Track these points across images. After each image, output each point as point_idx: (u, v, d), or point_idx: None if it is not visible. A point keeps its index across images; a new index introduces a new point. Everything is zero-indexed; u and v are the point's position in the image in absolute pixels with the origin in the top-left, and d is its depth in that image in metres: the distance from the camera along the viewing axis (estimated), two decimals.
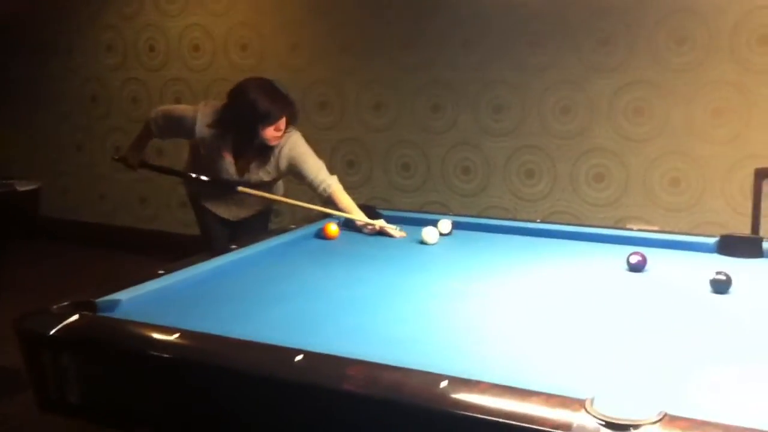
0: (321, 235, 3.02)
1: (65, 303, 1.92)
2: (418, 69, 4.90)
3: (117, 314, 1.94)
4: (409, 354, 1.60)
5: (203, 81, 5.61)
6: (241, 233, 3.42)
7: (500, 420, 1.34)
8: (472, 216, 3.55)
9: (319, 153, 3.35)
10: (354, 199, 3.24)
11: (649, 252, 2.56)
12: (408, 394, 1.42)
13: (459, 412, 1.37)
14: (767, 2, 4.02)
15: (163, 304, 2.06)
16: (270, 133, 3.12)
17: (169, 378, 1.72)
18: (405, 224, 3.12)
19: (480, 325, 1.96)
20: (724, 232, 2.83)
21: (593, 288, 2.32)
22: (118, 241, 6.01)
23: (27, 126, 6.45)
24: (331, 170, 3.30)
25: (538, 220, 3.51)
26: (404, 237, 3.02)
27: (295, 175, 3.29)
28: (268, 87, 3.16)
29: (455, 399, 1.39)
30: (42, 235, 6.21)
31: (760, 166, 3.69)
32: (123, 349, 1.75)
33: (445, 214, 3.43)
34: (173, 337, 1.71)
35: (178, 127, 3.32)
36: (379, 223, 3.08)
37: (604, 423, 1.27)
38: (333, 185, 3.20)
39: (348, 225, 3.17)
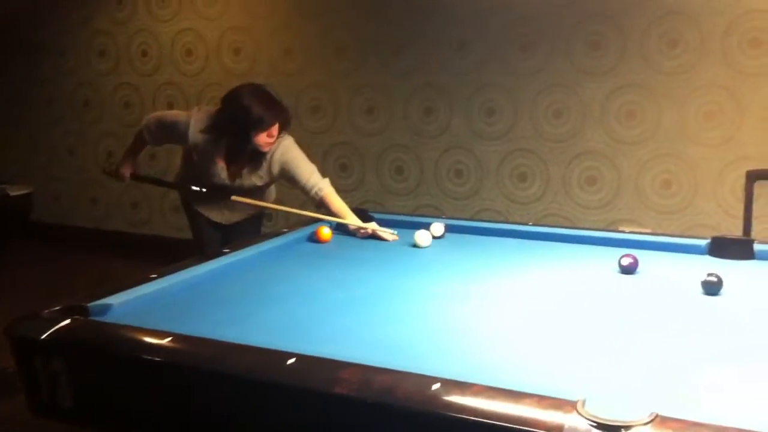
0: (314, 238, 3.02)
1: (57, 307, 1.91)
2: (410, 73, 4.91)
3: (109, 318, 1.94)
4: (401, 357, 1.61)
5: (196, 85, 5.60)
6: (234, 237, 3.42)
7: (492, 422, 1.34)
8: (464, 219, 3.56)
9: (312, 157, 3.35)
10: (347, 202, 3.24)
11: (640, 254, 2.57)
12: (401, 397, 1.43)
13: (452, 414, 1.37)
14: (759, 5, 4.05)
15: (156, 308, 2.06)
16: (263, 139, 3.12)
17: (161, 382, 1.71)
18: (398, 227, 3.12)
19: (472, 327, 1.96)
20: (716, 234, 2.84)
21: (585, 290, 2.33)
22: (111, 245, 6.00)
23: (19, 130, 6.44)
24: (324, 174, 3.30)
25: (531, 223, 3.51)
26: (397, 240, 3.02)
27: (287, 179, 3.29)
28: (261, 93, 3.16)
29: (448, 401, 1.39)
30: (34, 240, 6.21)
31: (751, 168, 3.71)
32: (115, 354, 1.75)
33: (437, 217, 3.43)
34: (165, 341, 1.71)
35: (171, 132, 3.32)
36: (372, 226, 3.08)
37: (595, 424, 1.27)
38: (325, 189, 3.20)
39: (341, 228, 3.17)
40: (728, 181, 4.24)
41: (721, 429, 1.25)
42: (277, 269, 2.58)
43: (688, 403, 1.42)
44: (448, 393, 1.41)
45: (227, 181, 3.30)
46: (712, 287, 2.21)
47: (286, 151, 3.23)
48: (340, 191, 3.30)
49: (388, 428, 1.46)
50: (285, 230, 3.10)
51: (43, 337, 1.77)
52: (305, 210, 3.30)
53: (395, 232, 3.05)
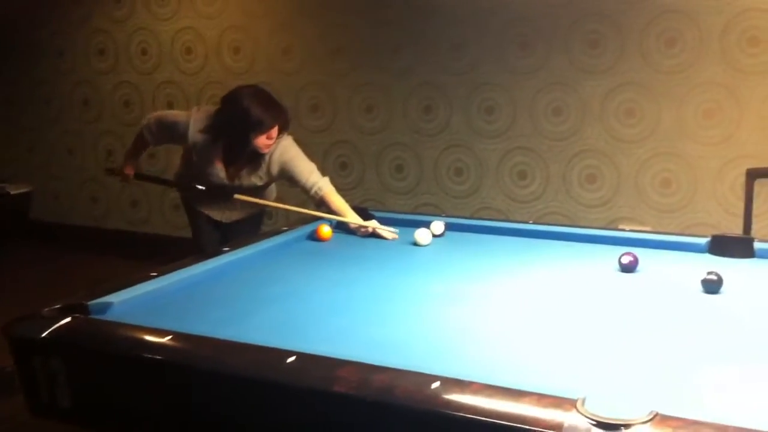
0: (314, 236, 3.02)
1: (57, 306, 1.91)
2: (409, 71, 4.91)
3: (109, 317, 1.94)
4: (400, 356, 1.61)
5: (196, 84, 5.60)
6: (234, 235, 3.42)
7: (492, 420, 1.34)
8: (464, 217, 3.56)
9: (312, 156, 3.35)
10: (347, 201, 3.24)
11: (640, 252, 2.57)
12: (400, 395, 1.42)
13: (451, 412, 1.37)
14: (757, 4, 4.04)
15: (156, 307, 2.06)
16: (262, 141, 3.12)
17: (161, 381, 1.71)
18: (398, 226, 3.12)
19: (472, 325, 1.96)
20: (716, 232, 2.84)
21: (585, 288, 2.33)
22: (110, 244, 6.00)
23: (18, 129, 6.43)
24: (324, 173, 3.30)
25: (531, 221, 3.51)
26: (397, 238, 3.02)
27: (287, 179, 3.29)
28: (261, 95, 3.16)
29: (447, 400, 1.39)
30: (34, 239, 6.21)
31: (751, 166, 3.71)
32: (115, 352, 1.75)
33: (437, 215, 3.43)
34: (165, 340, 1.71)
35: (171, 132, 3.32)
36: (372, 224, 3.08)
37: (595, 423, 1.27)
38: (325, 187, 3.20)
39: (341, 227, 3.17)
40: (728, 180, 4.24)
41: (720, 427, 1.25)
42: (277, 268, 2.58)
43: (688, 402, 1.42)
44: (448, 391, 1.41)
45: (227, 181, 3.30)
46: (712, 286, 2.21)
47: (285, 151, 3.23)
48: (340, 190, 3.30)
49: (387, 426, 1.46)
50: (285, 228, 3.10)
51: (42, 336, 1.77)
52: (306, 208, 3.30)
53: (396, 231, 3.05)
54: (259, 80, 4.85)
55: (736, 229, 3.86)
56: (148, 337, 1.74)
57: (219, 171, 3.28)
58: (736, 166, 4.17)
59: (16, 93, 6.36)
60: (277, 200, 3.61)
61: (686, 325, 1.96)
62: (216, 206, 3.47)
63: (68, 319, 1.84)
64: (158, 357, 1.69)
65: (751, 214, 3.46)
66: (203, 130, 3.20)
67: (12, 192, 6.20)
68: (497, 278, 2.43)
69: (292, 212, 3.34)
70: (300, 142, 3.34)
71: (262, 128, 3.07)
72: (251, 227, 3.55)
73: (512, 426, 1.32)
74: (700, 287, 2.24)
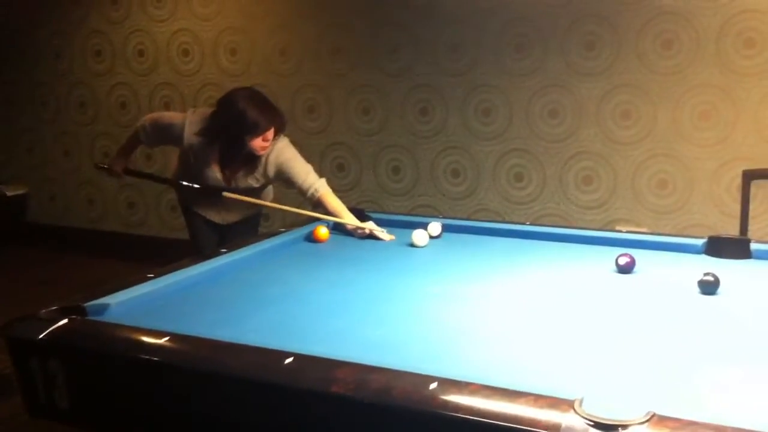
0: (311, 238, 3.02)
1: (54, 308, 1.91)
2: (406, 73, 4.91)
3: (106, 318, 1.94)
4: (398, 357, 1.61)
5: (192, 86, 5.60)
6: (231, 237, 3.42)
7: (489, 421, 1.34)
8: (461, 219, 3.56)
9: (308, 157, 3.35)
10: (344, 202, 3.24)
11: (637, 253, 2.57)
12: (398, 396, 1.43)
13: (448, 413, 1.38)
14: (753, 6, 4.05)
15: (153, 308, 2.06)
16: (258, 143, 3.11)
17: (158, 382, 1.71)
18: (395, 227, 3.12)
19: (469, 327, 1.96)
20: (712, 233, 2.84)
21: (582, 289, 2.33)
22: (107, 246, 5.99)
23: (14, 131, 6.42)
24: (321, 174, 3.30)
25: (528, 223, 3.51)
26: (393, 240, 3.02)
27: (283, 181, 3.29)
28: (257, 97, 3.16)
29: (445, 400, 1.40)
30: (30, 241, 6.20)
31: (747, 168, 3.72)
32: (112, 353, 1.75)
33: (434, 216, 3.43)
34: (163, 341, 1.71)
35: (166, 134, 3.32)
36: (369, 225, 3.08)
37: (592, 423, 1.27)
38: (321, 189, 3.20)
39: (338, 228, 3.17)
40: (724, 181, 4.25)
41: (717, 428, 1.25)
42: (274, 269, 2.58)
43: (685, 402, 1.43)
44: (445, 392, 1.41)
45: (223, 184, 3.30)
46: (708, 287, 2.22)
47: (281, 153, 3.23)
48: (337, 191, 3.30)
49: (384, 428, 1.46)
50: (282, 230, 3.10)
51: (40, 337, 1.77)
52: (302, 209, 3.30)
53: (392, 233, 3.06)
54: (255, 82, 4.86)
55: (732, 231, 3.87)
56: (146, 339, 1.74)
57: (215, 173, 3.28)
58: (733, 167, 4.18)
59: (12, 94, 6.36)
60: (273, 202, 3.61)
61: (683, 326, 1.97)
62: (213, 208, 3.47)
63: (65, 321, 1.84)
64: (155, 358, 1.69)
65: (748, 215, 3.47)
66: (199, 133, 3.19)
67: (8, 194, 6.20)
68: (494, 279, 2.43)
69: (289, 214, 3.34)
70: (297, 144, 3.34)
71: (257, 131, 3.07)
72: (248, 229, 3.55)
73: (509, 427, 1.32)
74: (696, 288, 2.24)
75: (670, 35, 4.24)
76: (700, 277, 2.24)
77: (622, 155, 4.46)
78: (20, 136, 6.41)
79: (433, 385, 1.43)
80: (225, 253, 2.61)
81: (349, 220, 3.13)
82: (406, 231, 2.99)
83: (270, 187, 3.56)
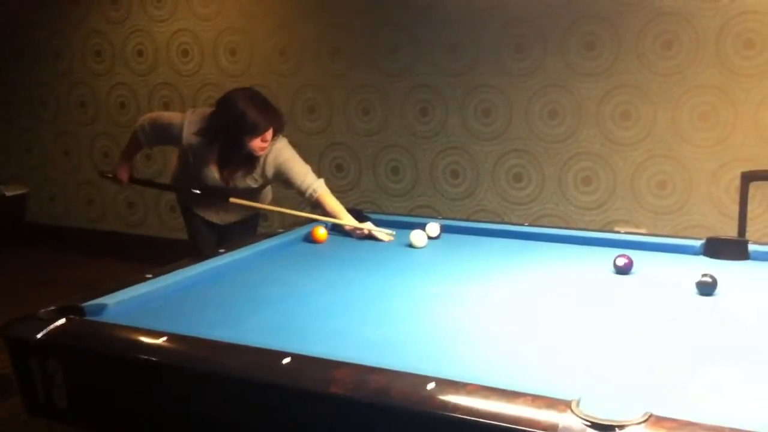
0: (309, 238, 3.02)
1: (53, 307, 1.91)
2: (405, 74, 4.92)
3: (104, 318, 1.94)
4: (396, 358, 1.61)
5: (192, 86, 5.60)
6: (230, 237, 3.42)
7: (487, 421, 1.34)
8: (460, 219, 3.57)
9: (308, 158, 3.35)
10: (343, 203, 3.24)
11: (635, 254, 2.57)
12: (395, 397, 1.43)
13: (446, 413, 1.38)
14: (753, 7, 4.06)
15: (151, 308, 2.06)
16: (257, 144, 3.11)
17: (156, 382, 1.71)
18: (394, 228, 3.12)
19: (468, 327, 1.96)
20: (711, 234, 2.85)
21: (580, 290, 2.33)
22: (106, 246, 6.00)
23: (14, 131, 6.43)
24: (320, 174, 3.30)
25: (527, 224, 3.52)
26: (392, 240, 3.02)
27: (282, 181, 3.29)
28: (256, 98, 3.15)
29: (443, 401, 1.40)
30: (30, 241, 6.20)
31: (746, 169, 3.72)
32: (110, 353, 1.75)
33: (433, 217, 3.43)
34: (161, 341, 1.71)
35: (165, 134, 3.31)
36: (368, 226, 3.09)
37: (589, 424, 1.28)
38: (319, 189, 3.20)
39: (336, 228, 3.17)
40: (723, 182, 4.25)
41: (715, 429, 1.25)
42: (273, 270, 2.58)
43: (682, 403, 1.43)
44: (443, 392, 1.41)
45: (222, 184, 3.30)
46: (706, 288, 2.22)
47: (279, 153, 3.23)
48: (336, 192, 3.30)
49: (383, 428, 1.47)
50: (281, 231, 3.10)
51: (38, 337, 1.78)
52: (301, 210, 3.30)
53: (392, 232, 3.06)
54: (255, 82, 4.86)
55: (730, 232, 3.87)
56: (144, 339, 1.74)
57: (214, 173, 3.28)
58: (731, 168, 4.18)
59: (12, 94, 6.36)
60: (272, 203, 3.62)
61: (681, 327, 1.97)
62: (212, 209, 3.47)
63: (63, 321, 1.84)
64: (154, 358, 1.69)
65: (746, 216, 3.47)
66: (198, 133, 3.19)
67: (8, 194, 6.21)
68: (493, 280, 2.43)
69: (288, 215, 3.34)
70: (296, 144, 3.35)
71: (256, 131, 3.07)
72: (247, 229, 3.55)
73: (507, 427, 1.32)
74: (694, 289, 2.24)
75: (670, 36, 4.24)
76: (698, 278, 2.24)
77: (622, 156, 4.46)
78: (20, 136, 6.41)
79: (431, 386, 1.43)
80: (224, 253, 2.62)
81: (348, 220, 3.13)
82: (405, 231, 2.99)
83: (269, 188, 3.56)
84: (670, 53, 4.25)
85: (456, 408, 1.38)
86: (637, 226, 4.40)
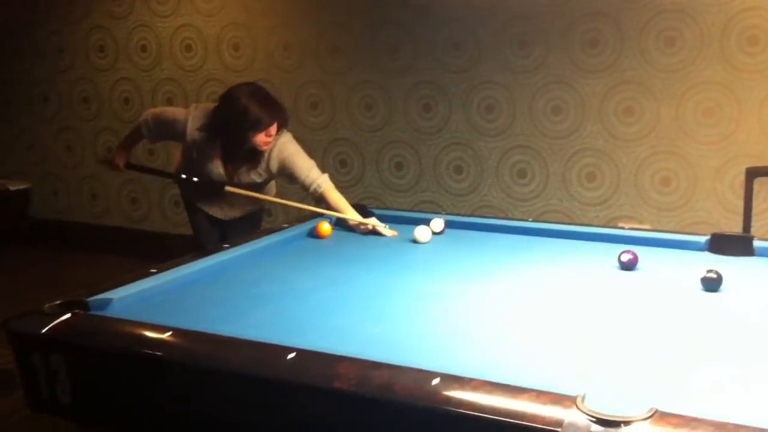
0: (313, 234, 3.02)
1: (57, 302, 1.91)
2: (409, 69, 4.91)
3: (109, 313, 1.94)
4: (400, 353, 1.61)
5: (195, 81, 5.60)
6: (234, 233, 3.42)
7: (492, 417, 1.34)
8: (464, 215, 3.57)
9: (312, 153, 3.35)
10: (347, 198, 3.24)
11: (640, 250, 2.57)
12: (400, 392, 1.43)
13: (451, 409, 1.38)
14: (757, 3, 4.04)
15: (155, 303, 2.06)
16: (261, 139, 3.11)
17: (160, 376, 1.71)
18: (397, 223, 3.12)
19: (471, 323, 1.96)
20: (715, 230, 2.84)
21: (585, 286, 2.33)
22: (110, 241, 6.00)
23: (17, 126, 6.43)
24: (324, 170, 3.30)
25: (531, 219, 3.52)
26: (396, 236, 3.02)
27: (286, 176, 3.29)
28: (259, 93, 3.15)
29: (447, 396, 1.40)
30: (33, 236, 6.21)
31: (750, 165, 3.71)
32: (114, 348, 1.75)
33: (437, 213, 3.43)
34: (165, 336, 1.71)
35: (169, 129, 3.31)
36: (372, 221, 3.08)
37: (595, 420, 1.27)
38: (324, 184, 3.20)
39: (340, 224, 3.17)
40: (727, 178, 4.24)
41: (719, 425, 1.25)
42: (277, 265, 2.58)
43: (687, 399, 1.43)
44: (448, 388, 1.41)
45: (225, 179, 3.30)
46: (711, 284, 2.22)
47: (284, 148, 3.23)
48: (340, 187, 3.30)
49: (386, 423, 1.47)
50: (285, 226, 3.10)
51: (42, 332, 1.78)
52: (305, 204, 3.29)
53: (395, 229, 3.06)
54: (258, 77, 4.85)
55: (735, 228, 3.87)
56: (148, 334, 1.74)
57: (218, 168, 3.28)
58: (736, 164, 4.17)
59: (15, 90, 6.35)
60: (276, 197, 3.61)
61: (686, 323, 1.97)
62: (215, 204, 3.47)
63: (68, 316, 1.84)
64: (158, 353, 1.69)
65: (751, 212, 3.47)
66: (202, 128, 3.19)
67: (11, 189, 6.21)
68: (497, 276, 2.43)
69: (292, 209, 3.34)
70: (300, 140, 3.34)
71: (260, 126, 3.07)
72: (251, 225, 3.55)
73: (512, 423, 1.32)
74: (699, 285, 2.24)
75: (674, 32, 4.23)
76: (703, 274, 2.24)
77: (626, 152, 4.45)
78: (23, 132, 6.41)
79: (436, 381, 1.43)
80: (227, 248, 2.62)
81: (352, 216, 3.13)
82: (409, 227, 2.99)
83: (272, 183, 3.56)
84: (673, 50, 4.24)
85: (460, 404, 1.38)
86: (641, 222, 4.40)
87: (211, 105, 3.27)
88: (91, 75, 6.00)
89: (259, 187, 3.40)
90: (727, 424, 1.25)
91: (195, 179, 3.34)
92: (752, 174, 3.52)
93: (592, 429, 1.26)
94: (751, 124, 4.15)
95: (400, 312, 2.05)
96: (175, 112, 3.38)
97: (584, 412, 1.29)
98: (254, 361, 1.60)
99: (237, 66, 5.40)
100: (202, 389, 1.66)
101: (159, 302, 2.08)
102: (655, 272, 2.47)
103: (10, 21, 6.18)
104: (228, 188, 3.27)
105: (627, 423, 1.26)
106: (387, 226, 3.06)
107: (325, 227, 3.01)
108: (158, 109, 3.51)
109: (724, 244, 2.72)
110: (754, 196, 3.50)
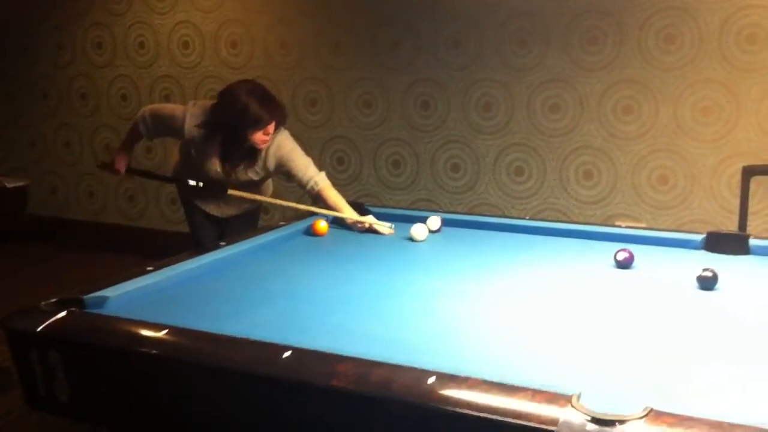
0: (310, 232, 3.02)
1: (53, 300, 1.91)
2: (407, 67, 4.91)
3: (105, 311, 1.94)
4: (397, 352, 1.61)
5: (193, 78, 5.59)
6: (231, 230, 3.42)
7: (488, 415, 1.34)
8: (461, 213, 3.57)
9: (309, 150, 3.35)
10: (344, 196, 3.24)
11: (636, 249, 2.57)
12: (397, 391, 1.43)
13: (447, 407, 1.38)
14: (756, 1, 4.04)
15: (152, 301, 2.06)
16: (259, 137, 3.11)
17: (157, 374, 1.71)
18: (394, 221, 3.12)
19: (469, 321, 1.96)
20: (712, 229, 2.85)
21: (581, 284, 2.33)
22: (107, 238, 5.99)
23: (15, 123, 6.42)
24: (321, 167, 3.30)
25: (527, 218, 3.52)
26: (393, 234, 3.02)
27: (283, 174, 3.29)
28: (258, 91, 3.14)
29: (443, 395, 1.40)
30: (30, 233, 6.20)
31: (747, 163, 3.71)
32: (111, 346, 1.75)
33: (434, 211, 3.43)
34: (161, 334, 1.71)
35: (167, 126, 3.30)
36: (369, 219, 3.09)
37: (590, 418, 1.28)
38: (321, 182, 3.20)
39: (337, 222, 3.17)
40: (724, 177, 4.24)
41: (714, 424, 1.25)
42: (273, 263, 2.58)
43: (683, 398, 1.43)
44: (444, 386, 1.41)
45: (223, 176, 3.30)
46: (707, 282, 2.22)
47: (281, 145, 3.23)
48: (337, 185, 3.30)
49: (384, 421, 1.47)
50: (282, 223, 3.10)
51: (39, 329, 1.78)
52: (302, 203, 3.29)
53: (392, 226, 3.06)
54: (256, 74, 4.86)
55: (731, 226, 3.88)
56: (145, 332, 1.74)
57: (216, 166, 3.27)
58: (733, 163, 4.18)
59: (13, 87, 6.35)
60: (273, 195, 3.61)
61: (681, 322, 1.97)
62: (213, 201, 3.47)
63: (64, 313, 1.84)
64: (154, 351, 1.69)
65: (747, 211, 3.47)
66: (200, 125, 3.19)
67: (9, 186, 6.20)
68: (493, 274, 2.43)
69: (289, 207, 3.34)
70: (297, 137, 3.34)
71: (259, 124, 3.07)
72: (248, 222, 3.55)
73: (508, 421, 1.32)
74: (695, 284, 2.24)
75: (673, 30, 4.23)
76: (699, 272, 2.24)
77: (623, 150, 4.46)
78: (21, 129, 6.40)
79: (432, 380, 1.43)
80: (224, 246, 2.62)
81: (349, 213, 3.13)
82: (406, 225, 2.99)
83: (269, 181, 3.56)
84: (672, 48, 4.24)
85: (457, 402, 1.38)
86: (637, 221, 4.40)
87: (209, 102, 3.26)
88: (89, 71, 6.00)
89: (256, 185, 3.40)
90: (723, 422, 1.25)
91: (200, 184, 3.32)
92: (749, 172, 3.52)
93: (587, 428, 1.27)
94: (748, 123, 4.16)
95: (398, 309, 2.05)
96: (173, 108, 3.37)
97: (580, 411, 1.29)
98: (252, 359, 1.60)
99: (235, 63, 5.39)
100: (199, 388, 1.66)
101: (156, 300, 2.08)
102: (651, 270, 2.48)
103: (12, 16, 6.16)
104: (231, 192, 3.28)
105: (622, 422, 1.26)
106: (384, 224, 3.06)
107: (322, 225, 3.02)
108: (155, 106, 3.50)
109: (720, 242, 2.73)
110: (750, 195, 3.51)
